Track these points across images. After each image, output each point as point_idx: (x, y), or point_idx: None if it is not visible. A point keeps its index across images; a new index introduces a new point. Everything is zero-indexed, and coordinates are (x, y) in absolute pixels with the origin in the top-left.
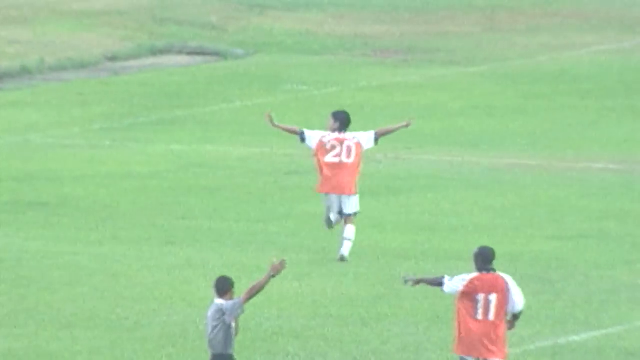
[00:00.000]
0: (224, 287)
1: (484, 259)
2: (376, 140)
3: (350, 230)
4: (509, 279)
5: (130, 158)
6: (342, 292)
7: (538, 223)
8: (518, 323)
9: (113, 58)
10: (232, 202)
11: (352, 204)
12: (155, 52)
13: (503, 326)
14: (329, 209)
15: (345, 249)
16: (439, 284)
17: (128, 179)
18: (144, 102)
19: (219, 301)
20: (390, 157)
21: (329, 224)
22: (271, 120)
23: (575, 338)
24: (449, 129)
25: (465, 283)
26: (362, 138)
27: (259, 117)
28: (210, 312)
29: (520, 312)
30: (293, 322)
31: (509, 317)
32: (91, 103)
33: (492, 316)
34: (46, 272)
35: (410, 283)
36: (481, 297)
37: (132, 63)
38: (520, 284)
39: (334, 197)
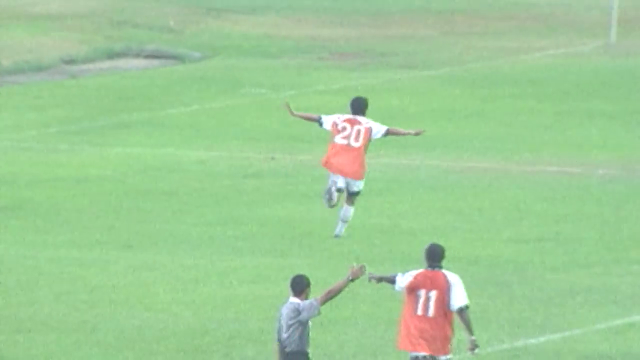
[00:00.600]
0: (300, 286)
1: (431, 256)
2: (385, 135)
3: (348, 212)
4: (453, 277)
5: (87, 161)
6: None
7: (496, 226)
8: (474, 328)
9: (70, 61)
10: (190, 205)
11: (356, 185)
12: (112, 55)
13: (446, 323)
14: (333, 183)
15: (341, 230)
16: (392, 282)
17: (85, 182)
18: (101, 105)
19: (294, 300)
20: None
21: (330, 201)
22: (290, 110)
23: (533, 341)
24: None
25: (410, 279)
26: (374, 126)
27: (217, 120)
28: (284, 311)
29: (464, 312)
30: (251, 325)
31: (459, 318)
32: (48, 106)
33: (431, 312)
34: (3, 275)
35: (374, 280)
36: (422, 293)
37: (89, 66)
38: (478, 287)
39: (337, 177)
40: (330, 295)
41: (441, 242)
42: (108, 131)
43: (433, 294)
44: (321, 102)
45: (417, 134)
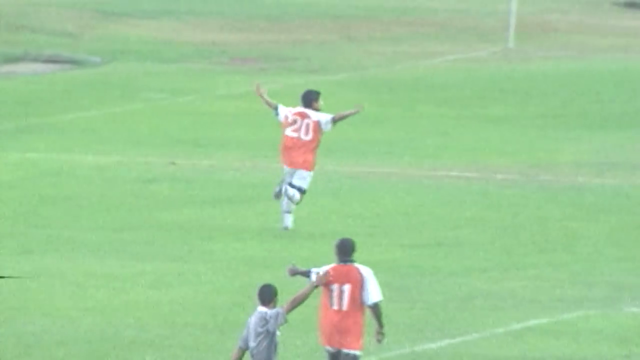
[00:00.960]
0: (268, 295)
1: (341, 251)
2: (334, 123)
3: (295, 196)
4: (365, 270)
5: None
6: (199, 301)
7: (395, 231)
8: (385, 327)
9: None
10: (88, 210)
11: (301, 178)
12: (10, 59)
13: (358, 317)
14: (282, 181)
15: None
16: (308, 276)
17: None
18: None
19: (262, 309)
20: (247, 165)
21: (277, 195)
22: (258, 89)
23: (432, 345)
24: None
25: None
26: (321, 118)
27: (116, 125)
28: (253, 320)
29: (377, 306)
30: (150, 331)
31: (371, 311)
32: None
33: (345, 306)
34: None
35: (290, 273)
36: (335, 287)
37: None
38: None
39: (289, 170)
40: (296, 303)
41: None
42: (5, 136)
43: (346, 288)
44: (221, 107)
45: (357, 112)
